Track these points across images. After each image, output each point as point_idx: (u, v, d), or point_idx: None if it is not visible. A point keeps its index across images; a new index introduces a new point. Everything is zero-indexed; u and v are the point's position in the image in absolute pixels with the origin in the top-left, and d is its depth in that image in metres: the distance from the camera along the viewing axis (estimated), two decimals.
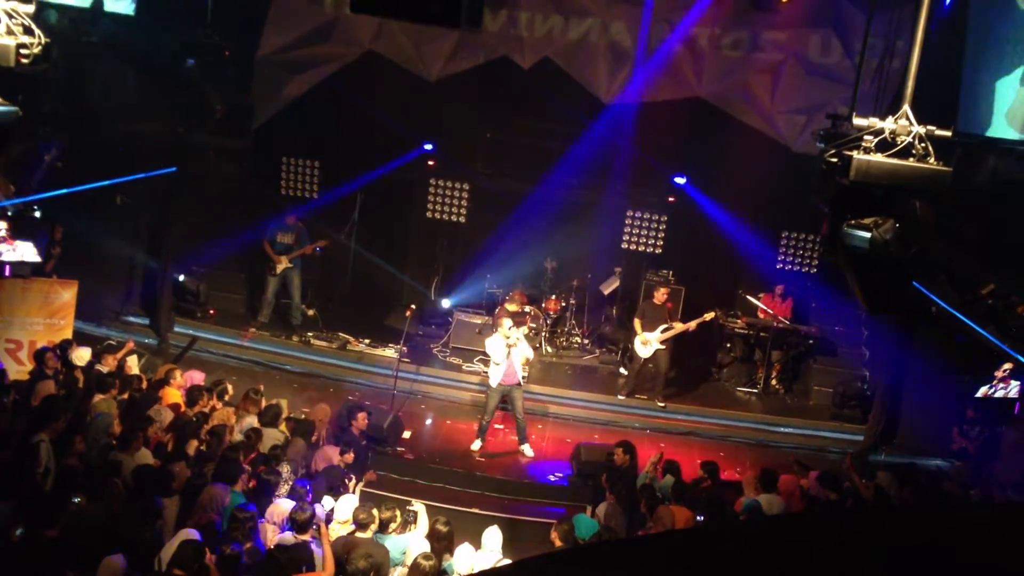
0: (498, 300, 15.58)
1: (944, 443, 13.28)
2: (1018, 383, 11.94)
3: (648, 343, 14.11)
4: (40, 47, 8.26)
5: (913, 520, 2.90)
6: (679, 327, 14.07)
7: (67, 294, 12.45)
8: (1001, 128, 11.30)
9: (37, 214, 12.42)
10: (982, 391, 12.25)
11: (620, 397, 14.57)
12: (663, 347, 14.14)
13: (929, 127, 7.50)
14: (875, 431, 13.73)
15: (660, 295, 14.27)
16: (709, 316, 14.33)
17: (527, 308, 15.26)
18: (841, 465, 11.85)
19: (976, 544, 2.54)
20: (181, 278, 15.32)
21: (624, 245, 15.79)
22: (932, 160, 7.46)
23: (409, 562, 7.87)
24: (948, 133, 7.62)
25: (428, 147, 15.79)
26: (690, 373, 15.28)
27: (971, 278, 11.22)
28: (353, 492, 9.54)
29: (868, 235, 7.77)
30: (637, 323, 14.28)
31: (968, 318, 10.93)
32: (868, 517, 3.43)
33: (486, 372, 13.21)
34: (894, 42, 12.25)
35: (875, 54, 12.93)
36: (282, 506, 8.48)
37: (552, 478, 12.17)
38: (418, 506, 8.90)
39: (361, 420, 11.16)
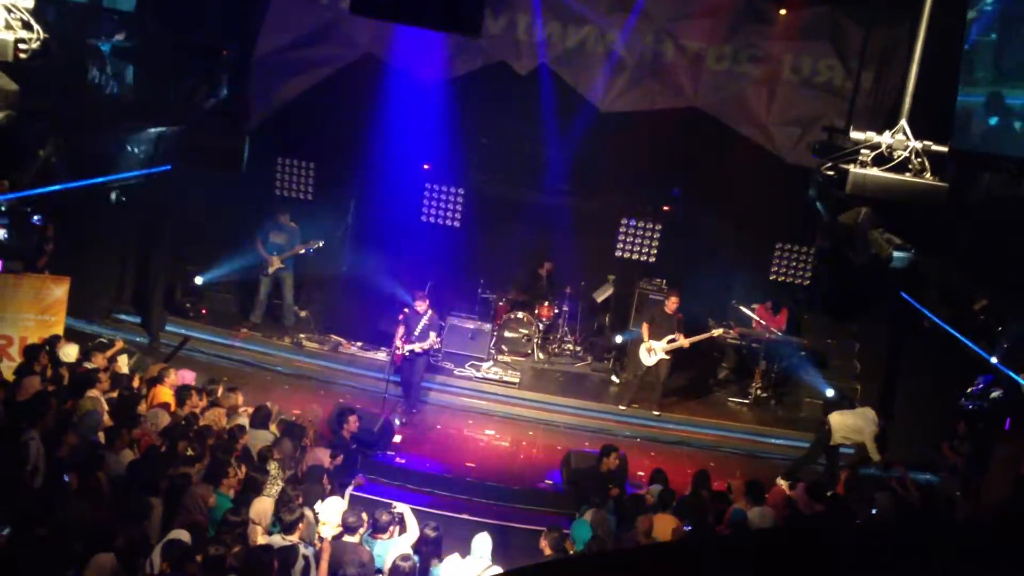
0: (492, 305, 15.65)
1: (934, 458, 13.28)
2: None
3: (653, 351, 14.09)
4: (39, 42, 8.23)
5: (902, 534, 2.89)
6: (684, 342, 14.01)
7: (59, 290, 12.40)
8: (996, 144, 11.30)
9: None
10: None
11: (621, 407, 14.50)
12: (667, 357, 14.13)
13: (926, 142, 7.51)
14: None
15: (671, 304, 14.13)
16: (716, 333, 14.34)
17: (519, 315, 15.32)
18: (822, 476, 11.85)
19: (964, 558, 2.54)
20: (199, 281, 15.34)
21: (618, 253, 15.78)
22: (928, 175, 7.47)
23: None
24: (944, 149, 7.62)
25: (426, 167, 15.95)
26: (682, 383, 15.26)
27: (964, 294, 11.22)
28: (342, 496, 9.50)
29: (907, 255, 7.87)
30: (645, 329, 14.20)
31: (960, 333, 10.93)
32: (855, 530, 3.43)
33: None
34: (891, 57, 12.29)
35: (872, 68, 12.98)
36: (267, 504, 8.43)
37: (542, 485, 12.17)
38: (403, 508, 8.84)
39: (352, 423, 11.12)
